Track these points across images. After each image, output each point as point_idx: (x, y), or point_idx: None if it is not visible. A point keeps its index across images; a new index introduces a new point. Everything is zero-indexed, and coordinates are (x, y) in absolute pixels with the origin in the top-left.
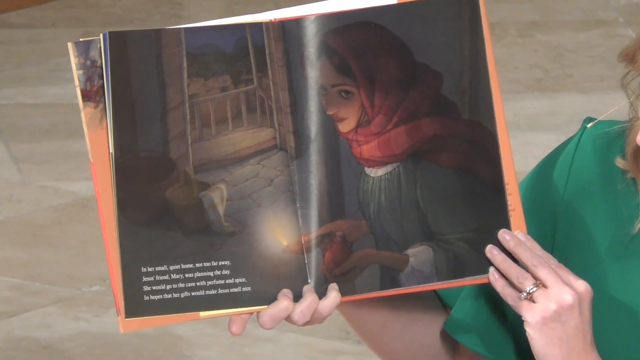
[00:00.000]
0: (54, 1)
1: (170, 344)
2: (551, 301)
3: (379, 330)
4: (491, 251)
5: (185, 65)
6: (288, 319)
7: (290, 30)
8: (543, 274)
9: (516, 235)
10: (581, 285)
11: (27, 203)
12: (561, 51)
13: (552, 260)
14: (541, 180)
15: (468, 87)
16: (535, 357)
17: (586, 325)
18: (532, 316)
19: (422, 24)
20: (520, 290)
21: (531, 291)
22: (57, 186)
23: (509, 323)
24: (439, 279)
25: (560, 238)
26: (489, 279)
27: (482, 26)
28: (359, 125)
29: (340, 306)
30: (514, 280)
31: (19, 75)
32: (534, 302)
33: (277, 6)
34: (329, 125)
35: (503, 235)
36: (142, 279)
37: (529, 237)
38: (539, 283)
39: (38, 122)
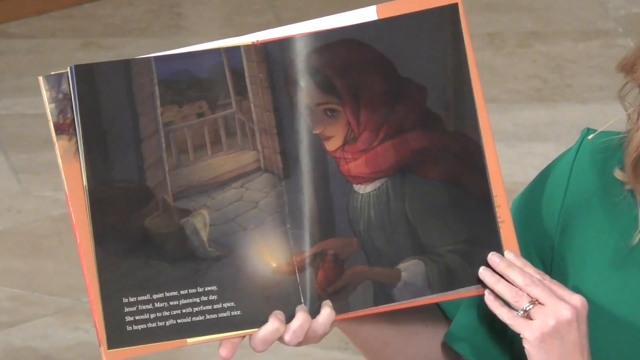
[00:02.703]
0: (54, 11)
1: (170, 354)
2: (549, 317)
3: (381, 346)
4: (483, 274)
5: (157, 93)
6: (280, 340)
7: (272, 51)
8: (537, 292)
9: (506, 255)
10: (577, 299)
11: (26, 213)
12: (560, 61)
13: (546, 277)
14: (539, 192)
15: (452, 99)
16: None
17: (584, 339)
18: (530, 333)
19: (404, 39)
20: (517, 309)
21: (528, 308)
22: (57, 196)
23: (509, 336)
24: (432, 292)
25: (559, 250)
26: (484, 297)
27: (464, 38)
28: (345, 142)
29: (342, 324)
30: (510, 301)
31: (19, 86)
32: (531, 319)
33: (277, 17)
34: (316, 144)
35: (492, 258)
36: (124, 309)
37: (519, 256)
38: (535, 300)
39: (37, 132)
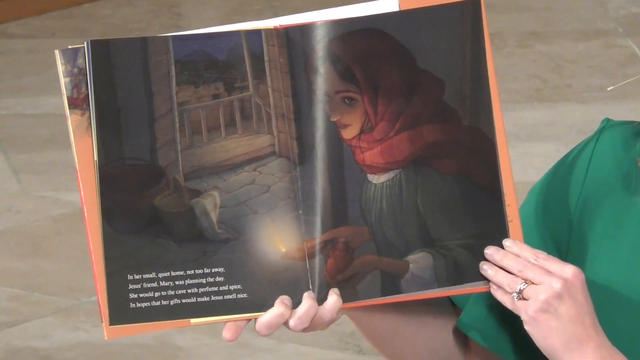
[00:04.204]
0: (54, 11)
1: (170, 354)
2: (539, 293)
3: (390, 336)
4: (482, 267)
5: (173, 73)
6: (285, 325)
7: (293, 37)
8: (529, 274)
9: (503, 243)
10: (568, 270)
11: (26, 213)
12: (560, 61)
13: (541, 255)
14: (558, 180)
15: (469, 94)
16: (543, 352)
17: (582, 309)
18: (525, 313)
19: (425, 31)
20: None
21: (522, 289)
22: (57, 196)
23: (519, 327)
24: (439, 285)
25: (576, 236)
26: (488, 289)
27: (484, 34)
28: (362, 131)
29: (352, 313)
30: (507, 288)
31: (18, 86)
32: (526, 300)
33: (276, 15)
34: (333, 131)
35: (488, 252)
36: (129, 286)
37: (515, 242)
38: (529, 281)
39: (37, 132)
